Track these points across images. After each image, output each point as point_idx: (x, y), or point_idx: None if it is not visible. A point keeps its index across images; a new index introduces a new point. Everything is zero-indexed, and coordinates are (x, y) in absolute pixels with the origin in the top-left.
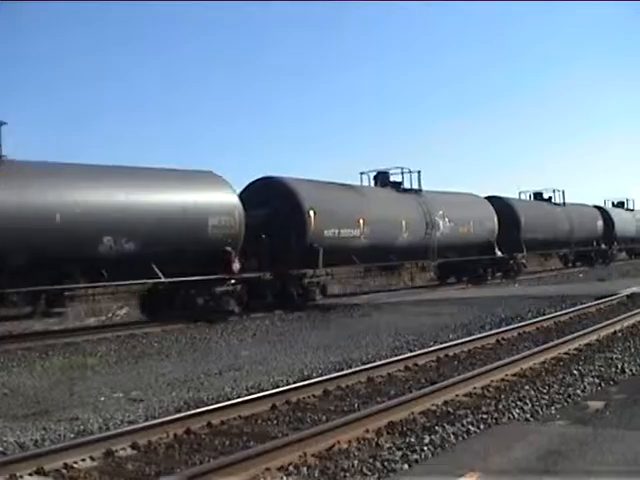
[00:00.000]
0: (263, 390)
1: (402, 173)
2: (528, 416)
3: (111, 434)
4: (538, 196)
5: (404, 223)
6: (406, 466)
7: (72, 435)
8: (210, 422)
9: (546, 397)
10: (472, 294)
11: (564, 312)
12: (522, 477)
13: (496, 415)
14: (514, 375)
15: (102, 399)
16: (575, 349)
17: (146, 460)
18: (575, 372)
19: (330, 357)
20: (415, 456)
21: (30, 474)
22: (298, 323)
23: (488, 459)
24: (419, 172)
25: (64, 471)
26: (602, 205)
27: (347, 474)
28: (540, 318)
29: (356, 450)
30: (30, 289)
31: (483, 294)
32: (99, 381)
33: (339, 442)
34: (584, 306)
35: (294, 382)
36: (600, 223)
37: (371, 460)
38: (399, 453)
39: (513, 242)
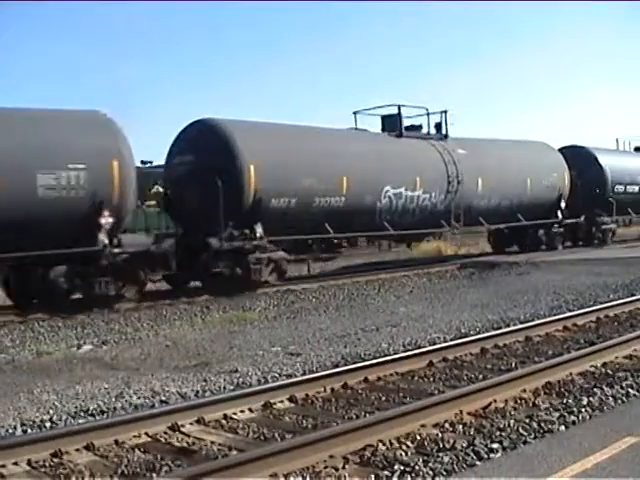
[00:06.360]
0: (420, 347)
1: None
2: None
3: (269, 387)
4: None
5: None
6: (563, 428)
7: (231, 387)
8: (367, 377)
9: None
10: (635, 254)
11: None
12: None
13: None
14: None
15: (261, 353)
16: None
17: (304, 413)
18: None
19: (487, 315)
20: (572, 418)
21: (191, 423)
22: (455, 281)
23: None
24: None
25: (223, 421)
26: None
27: (503, 433)
28: None
29: (512, 410)
30: None
31: None
32: (258, 335)
33: (495, 401)
34: None
35: (451, 339)
36: None
37: (527, 420)
38: (556, 414)
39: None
